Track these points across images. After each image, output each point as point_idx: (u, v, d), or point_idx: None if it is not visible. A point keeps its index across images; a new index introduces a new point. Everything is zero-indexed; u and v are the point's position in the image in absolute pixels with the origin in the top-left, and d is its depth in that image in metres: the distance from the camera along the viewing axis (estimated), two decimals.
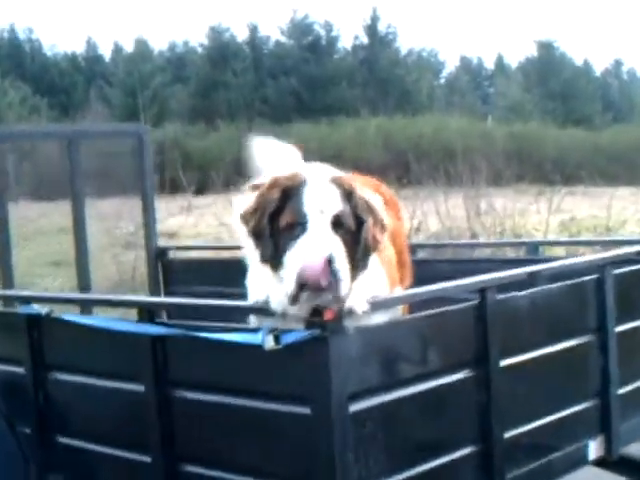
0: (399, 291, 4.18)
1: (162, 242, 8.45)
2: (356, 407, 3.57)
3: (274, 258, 3.57)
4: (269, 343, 3.56)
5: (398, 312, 4.05)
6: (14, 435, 4.79)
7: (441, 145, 33.44)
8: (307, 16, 61.78)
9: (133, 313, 4.32)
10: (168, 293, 7.76)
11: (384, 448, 3.66)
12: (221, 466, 3.94)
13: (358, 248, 3.56)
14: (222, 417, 3.92)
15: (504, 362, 4.18)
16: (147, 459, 4.19)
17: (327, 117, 46.77)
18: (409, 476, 3.76)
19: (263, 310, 3.67)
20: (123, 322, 4.28)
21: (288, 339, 3.54)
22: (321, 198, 3.53)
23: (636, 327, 4.99)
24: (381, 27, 62.78)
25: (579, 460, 4.65)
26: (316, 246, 3.38)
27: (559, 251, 9.65)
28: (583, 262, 4.96)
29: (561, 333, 4.53)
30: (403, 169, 24.89)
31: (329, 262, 3.34)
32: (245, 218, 3.71)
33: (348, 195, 3.60)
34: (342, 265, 3.39)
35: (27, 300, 4.80)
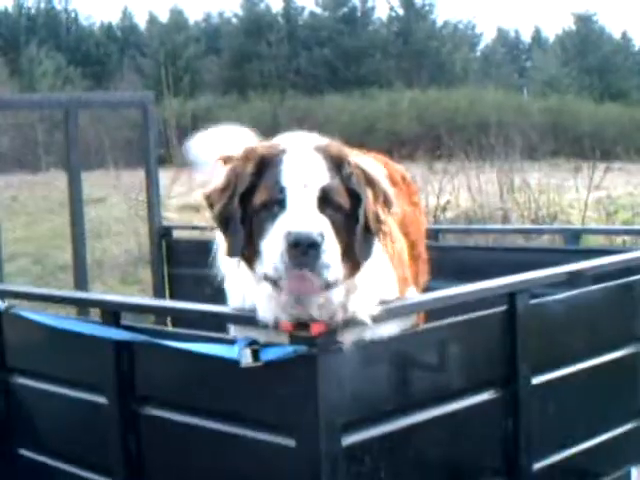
0: (413, 294, 3.40)
1: (184, 216, 7.76)
2: (351, 439, 2.90)
3: (248, 250, 2.89)
4: (246, 359, 2.90)
5: (410, 322, 3.27)
6: None
7: (475, 118, 32.63)
8: None
9: None
10: (172, 275, 7.13)
11: None
12: None
13: (355, 230, 2.86)
14: (194, 441, 3.26)
15: (535, 380, 3.49)
16: None
17: (360, 89, 46.05)
18: None
19: (244, 319, 3.00)
20: (84, 323, 3.63)
21: (269, 355, 2.87)
22: (304, 168, 2.84)
23: None
24: None
25: None
26: (298, 223, 2.69)
27: (599, 239, 8.80)
28: (635, 258, 4.15)
29: (604, 343, 3.83)
30: (436, 143, 24.25)
31: (313, 245, 2.66)
32: (211, 199, 3.00)
33: (338, 165, 2.90)
34: (330, 248, 2.70)
35: None
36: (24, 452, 4.07)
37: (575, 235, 5.60)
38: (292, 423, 2.88)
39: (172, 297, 7.10)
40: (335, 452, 2.84)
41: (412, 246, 3.65)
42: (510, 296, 3.37)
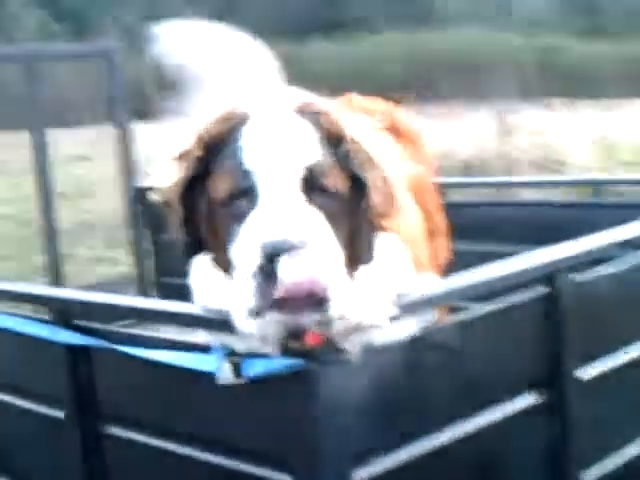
0: (430, 281, 2.62)
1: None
2: (364, 473, 2.26)
3: (216, 254, 2.22)
4: (225, 374, 2.25)
5: (430, 317, 2.54)
6: None
7: (465, 59, 31.90)
8: None
9: None
10: (155, 243, 6.47)
11: None
12: None
13: (358, 223, 2.18)
14: (169, 470, 2.61)
15: (582, 373, 2.84)
16: None
17: (345, 33, 45.15)
18: None
19: (217, 324, 2.27)
20: (31, 322, 2.97)
21: (254, 370, 2.22)
22: (279, 142, 2.10)
23: None
24: None
25: None
26: (276, 226, 1.96)
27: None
28: None
29: None
30: (426, 86, 23.55)
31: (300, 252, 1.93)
32: (163, 194, 2.30)
33: (333, 137, 2.17)
34: (326, 251, 1.98)
35: None
36: None
37: (597, 187, 4.90)
38: (288, 456, 2.23)
39: (157, 266, 6.50)
40: None
41: (428, 218, 2.99)
42: (550, 275, 2.71)
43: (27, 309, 3.33)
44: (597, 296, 2.89)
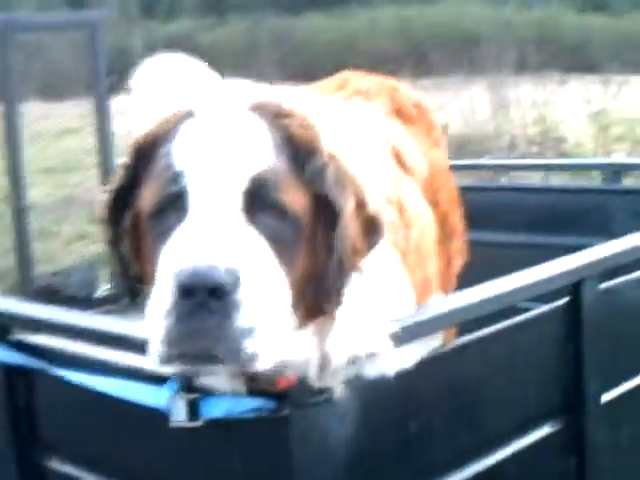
0: (437, 303, 2.18)
1: None
2: None
3: (145, 277, 1.76)
4: (178, 414, 1.81)
5: (435, 342, 2.09)
6: None
7: (459, 33, 31.60)
8: None
9: None
10: None
11: None
12: None
13: (324, 257, 1.71)
14: None
15: (606, 396, 2.42)
16: None
17: (340, 8, 44.88)
18: None
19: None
20: None
21: (214, 411, 1.79)
22: (220, 143, 1.67)
23: None
24: None
25: None
26: (196, 250, 1.55)
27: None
28: None
29: None
30: (420, 60, 23.24)
31: (218, 292, 1.52)
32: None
33: (301, 146, 1.72)
34: (256, 292, 1.56)
35: None
36: None
37: (614, 171, 4.42)
38: None
39: None
40: None
41: (443, 220, 2.54)
42: (575, 284, 2.28)
43: None
44: (624, 306, 2.46)
